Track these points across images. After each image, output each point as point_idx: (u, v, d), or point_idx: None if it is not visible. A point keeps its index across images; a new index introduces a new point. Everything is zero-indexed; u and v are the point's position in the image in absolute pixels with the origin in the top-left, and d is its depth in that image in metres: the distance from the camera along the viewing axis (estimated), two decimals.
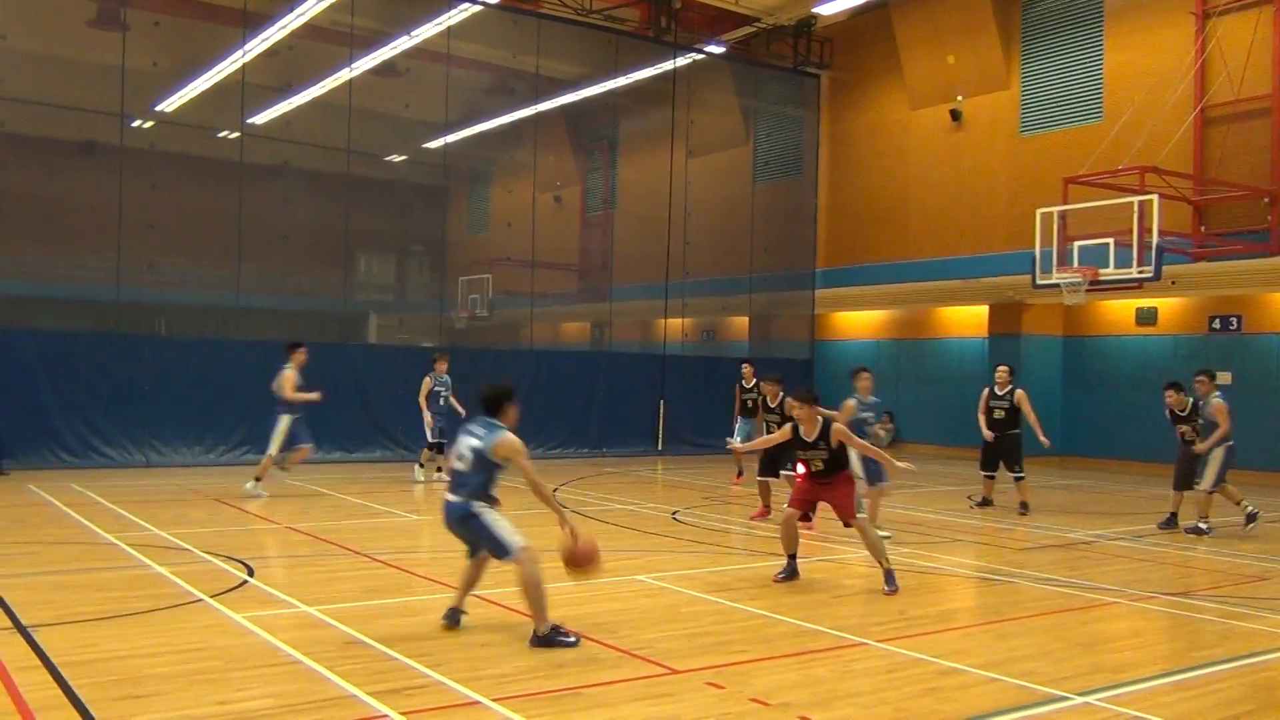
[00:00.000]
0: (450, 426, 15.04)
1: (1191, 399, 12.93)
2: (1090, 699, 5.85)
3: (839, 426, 8.94)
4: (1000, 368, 14.65)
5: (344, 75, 20.73)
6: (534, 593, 6.64)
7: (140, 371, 17.41)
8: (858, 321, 27.63)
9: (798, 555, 9.24)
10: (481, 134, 24.67)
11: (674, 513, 13.44)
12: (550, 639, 6.59)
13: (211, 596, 7.83)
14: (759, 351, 25.48)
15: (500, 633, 7.02)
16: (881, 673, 6.32)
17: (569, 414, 21.79)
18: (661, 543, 11.08)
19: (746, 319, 26.86)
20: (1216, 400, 12.43)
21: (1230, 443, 12.37)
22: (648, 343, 25.93)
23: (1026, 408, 14.09)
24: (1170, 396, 13.02)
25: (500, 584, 8.60)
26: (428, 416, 16.03)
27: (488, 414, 7.07)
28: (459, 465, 6.97)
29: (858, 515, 9.11)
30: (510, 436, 6.89)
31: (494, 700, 5.47)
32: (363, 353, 20.89)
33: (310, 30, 20.82)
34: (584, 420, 22.02)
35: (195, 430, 17.78)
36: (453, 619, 7.02)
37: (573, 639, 6.64)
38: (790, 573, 9.12)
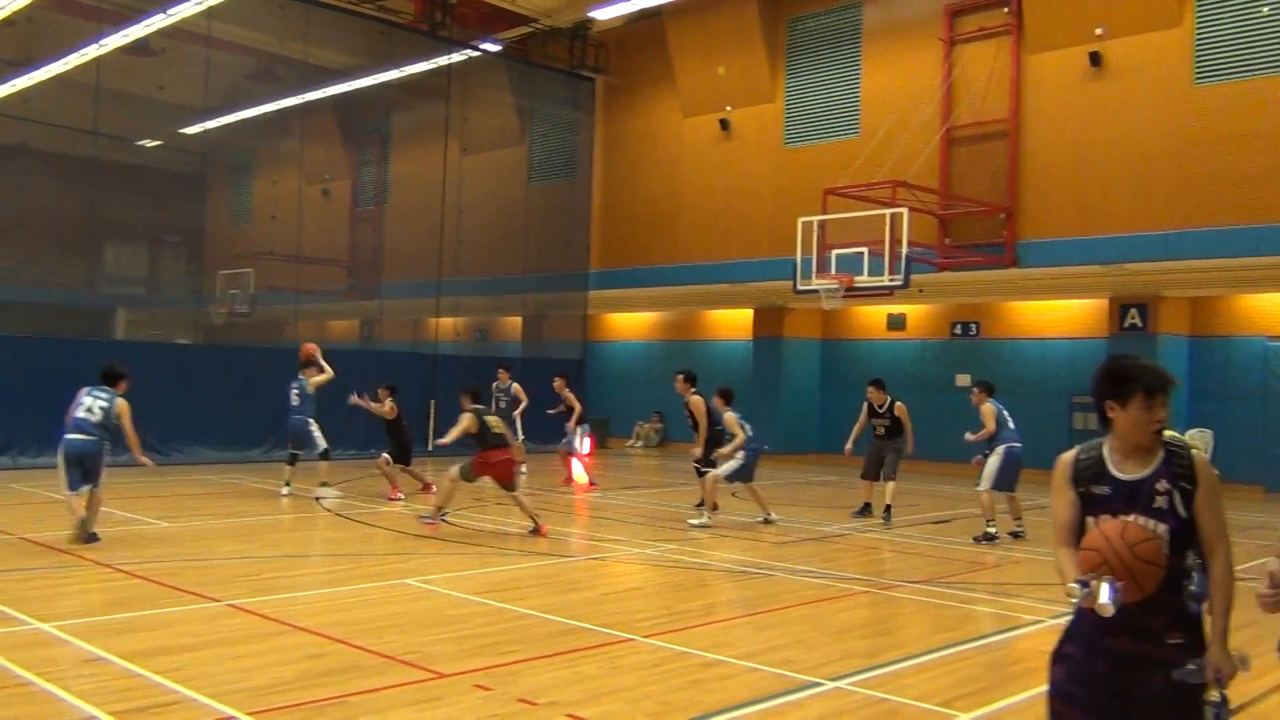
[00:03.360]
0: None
1: (890, 397, 13.98)
2: (841, 683, 6.16)
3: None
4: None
5: (92, 52, 19.30)
6: None
7: None
8: (629, 323, 28.11)
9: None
10: (244, 121, 23.56)
11: (444, 514, 13.24)
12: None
13: None
14: (532, 352, 25.48)
15: (255, 643, 6.71)
16: (647, 667, 6.44)
17: (335, 415, 21.04)
18: (430, 545, 10.90)
19: (520, 319, 26.81)
20: (987, 405, 12.70)
21: (1011, 444, 12.45)
22: (419, 342, 25.45)
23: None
24: (871, 393, 14.07)
25: (258, 592, 8.24)
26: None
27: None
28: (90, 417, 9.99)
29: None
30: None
31: (250, 715, 5.23)
32: (109, 349, 19.48)
33: (54, 1, 19.29)
34: (351, 421, 21.31)
35: None
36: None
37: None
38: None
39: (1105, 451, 3.42)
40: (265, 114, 23.70)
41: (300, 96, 22.38)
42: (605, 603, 8.55)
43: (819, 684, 6.14)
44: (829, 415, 24.04)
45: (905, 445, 13.95)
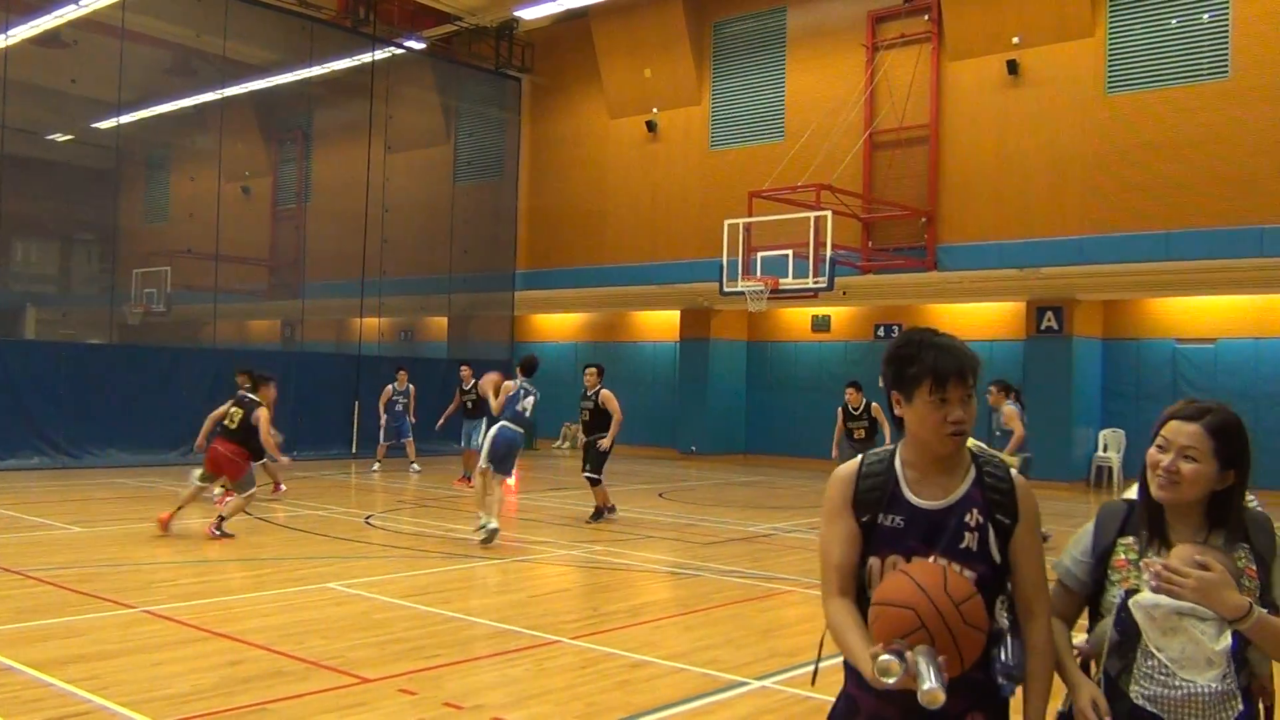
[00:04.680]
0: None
1: (866, 399, 13.86)
2: (767, 682, 6.21)
3: None
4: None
5: None
6: None
7: None
8: (556, 324, 28.04)
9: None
10: (160, 116, 22.98)
11: (367, 517, 13.09)
12: None
13: None
14: (458, 353, 25.26)
15: (173, 649, 6.56)
16: (575, 669, 6.43)
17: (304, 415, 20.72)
18: (354, 549, 10.75)
19: (445, 319, 26.58)
20: (1008, 407, 12.38)
21: (1027, 455, 12.12)
22: (342, 342, 25.09)
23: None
24: (849, 395, 14.00)
25: (175, 598, 8.06)
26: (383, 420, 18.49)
27: None
28: None
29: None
30: None
31: None
32: (17, 349, 18.90)
33: None
34: (273, 422, 20.97)
35: None
36: None
37: None
38: None
39: (897, 465, 2.58)
40: (183, 109, 23.16)
41: (219, 92, 21.91)
42: (532, 605, 8.52)
43: (746, 683, 6.18)
44: (755, 416, 24.25)
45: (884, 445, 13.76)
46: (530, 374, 11.85)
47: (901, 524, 2.51)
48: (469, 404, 17.25)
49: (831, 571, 2.56)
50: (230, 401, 11.83)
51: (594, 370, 13.47)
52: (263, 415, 11.36)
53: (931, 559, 2.45)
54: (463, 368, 18.15)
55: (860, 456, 2.67)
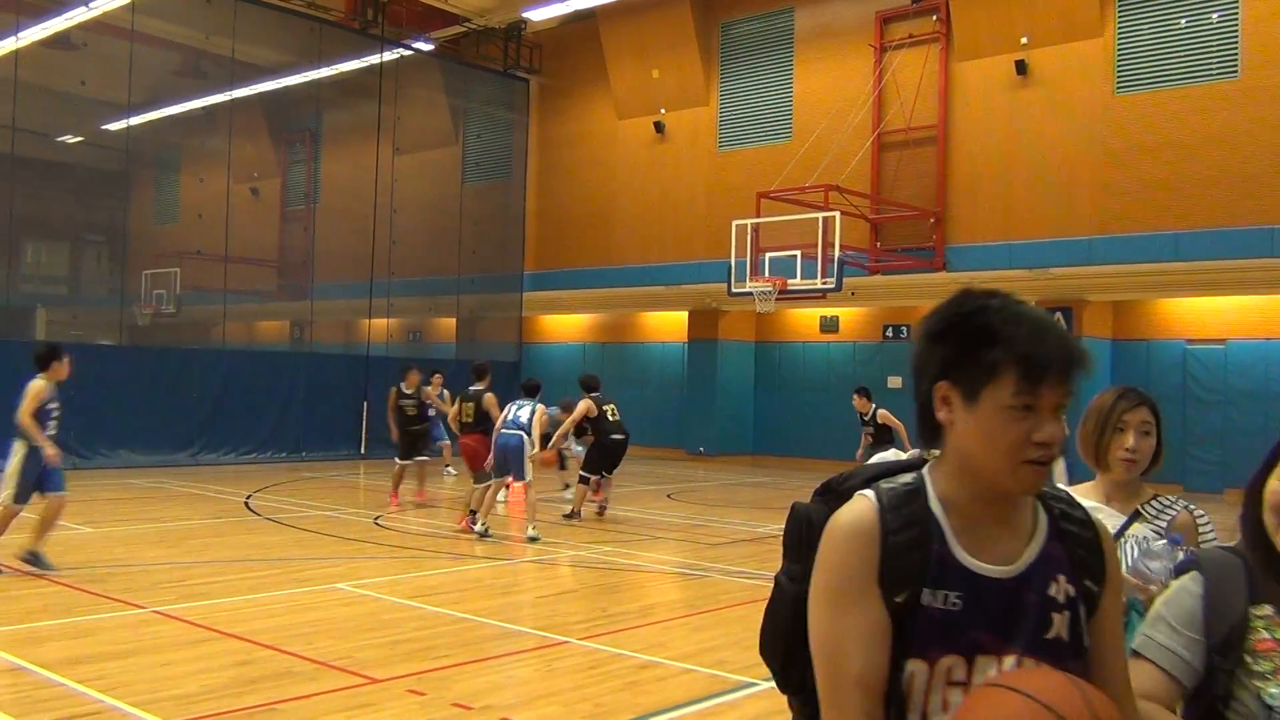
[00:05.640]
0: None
1: (875, 405, 14.04)
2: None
3: None
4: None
5: (9, 44, 18.76)
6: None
7: None
8: (564, 324, 28.05)
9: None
10: (170, 118, 23.05)
11: (376, 518, 13.11)
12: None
13: None
14: (466, 353, 25.29)
15: (183, 650, 6.58)
16: (583, 670, 6.43)
17: (266, 417, 20.78)
18: (363, 549, 10.77)
19: (454, 320, 26.61)
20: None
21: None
22: (351, 343, 25.14)
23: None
24: (855, 401, 14.24)
25: (185, 598, 8.08)
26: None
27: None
28: None
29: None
30: (33, 382, 8.79)
31: None
32: (28, 350, 18.91)
33: None
34: (282, 423, 21.06)
35: None
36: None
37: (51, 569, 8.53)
38: None
39: (934, 507, 1.66)
40: (192, 111, 23.22)
41: (228, 93, 21.97)
42: (540, 605, 8.53)
43: (754, 684, 6.18)
44: (763, 417, 24.22)
45: (903, 449, 13.94)
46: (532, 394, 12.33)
47: (959, 605, 1.61)
48: (409, 412, 15.53)
49: (850, 691, 1.60)
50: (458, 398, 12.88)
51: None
52: (490, 400, 12.33)
53: (1012, 659, 1.61)
54: (411, 371, 17.19)
55: (867, 493, 1.68)
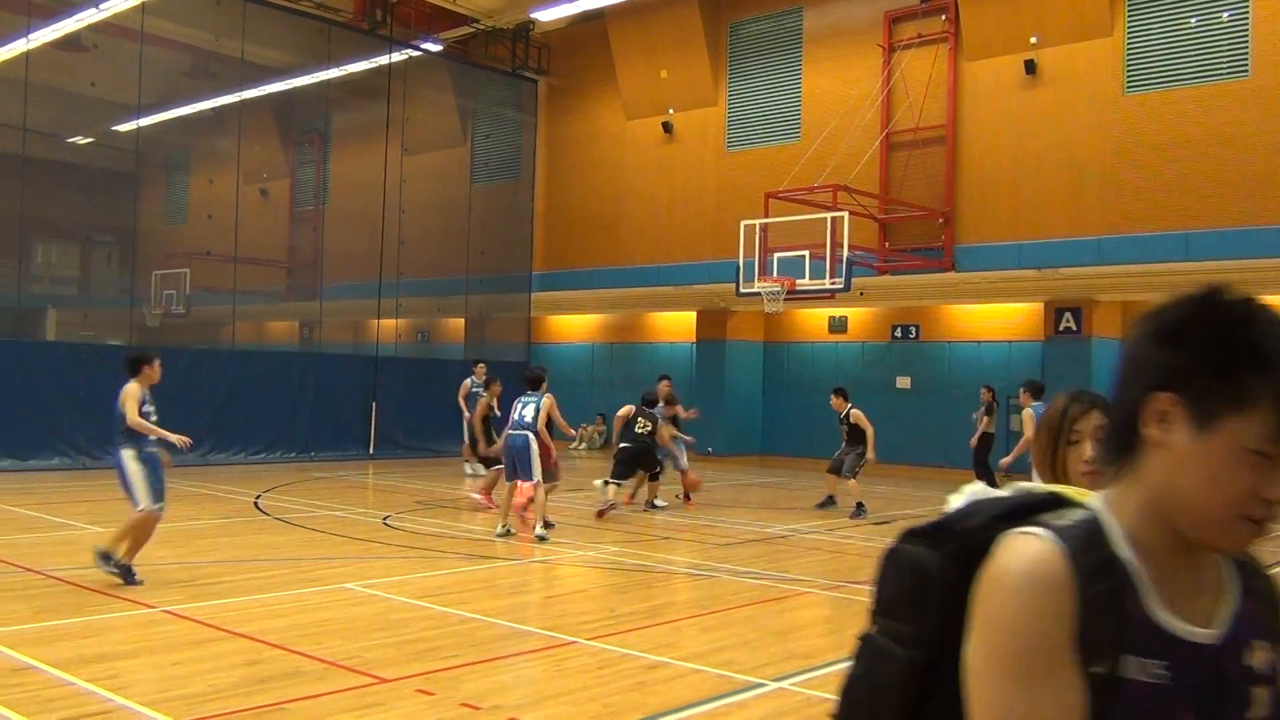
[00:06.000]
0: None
1: (850, 405, 14.85)
2: (784, 684, 6.20)
3: None
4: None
5: (20, 46, 18.85)
6: (134, 533, 8.52)
7: None
8: (572, 325, 28.06)
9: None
10: (179, 119, 23.12)
11: (385, 518, 13.13)
12: (119, 566, 8.39)
13: None
14: (475, 354, 25.32)
15: (192, 649, 6.59)
16: (591, 670, 6.43)
17: (274, 417, 20.83)
18: (371, 549, 10.79)
19: (462, 321, 26.65)
20: (1026, 411, 12.27)
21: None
22: (360, 344, 25.19)
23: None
24: (832, 400, 15.11)
25: (194, 598, 8.10)
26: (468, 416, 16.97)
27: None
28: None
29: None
30: (128, 386, 8.97)
31: None
32: (39, 350, 19.06)
33: None
34: (291, 423, 21.10)
35: None
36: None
37: (137, 580, 8.37)
38: None
39: (1125, 554, 1.33)
40: (201, 112, 23.28)
41: (237, 94, 22.03)
42: (549, 606, 8.53)
43: (762, 685, 6.17)
44: (772, 417, 24.19)
45: (866, 450, 14.63)
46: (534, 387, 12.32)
47: (1164, 677, 1.29)
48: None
49: None
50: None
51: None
52: (549, 402, 12.24)
53: None
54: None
55: (1047, 535, 1.31)
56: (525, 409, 11.86)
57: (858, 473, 14.57)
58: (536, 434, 11.61)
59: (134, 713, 5.27)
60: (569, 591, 9.28)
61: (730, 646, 7.10)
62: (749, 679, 6.28)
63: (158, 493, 8.83)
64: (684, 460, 15.54)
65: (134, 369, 9.18)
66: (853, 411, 14.78)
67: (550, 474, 12.08)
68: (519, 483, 11.85)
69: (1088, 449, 2.47)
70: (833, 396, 15.18)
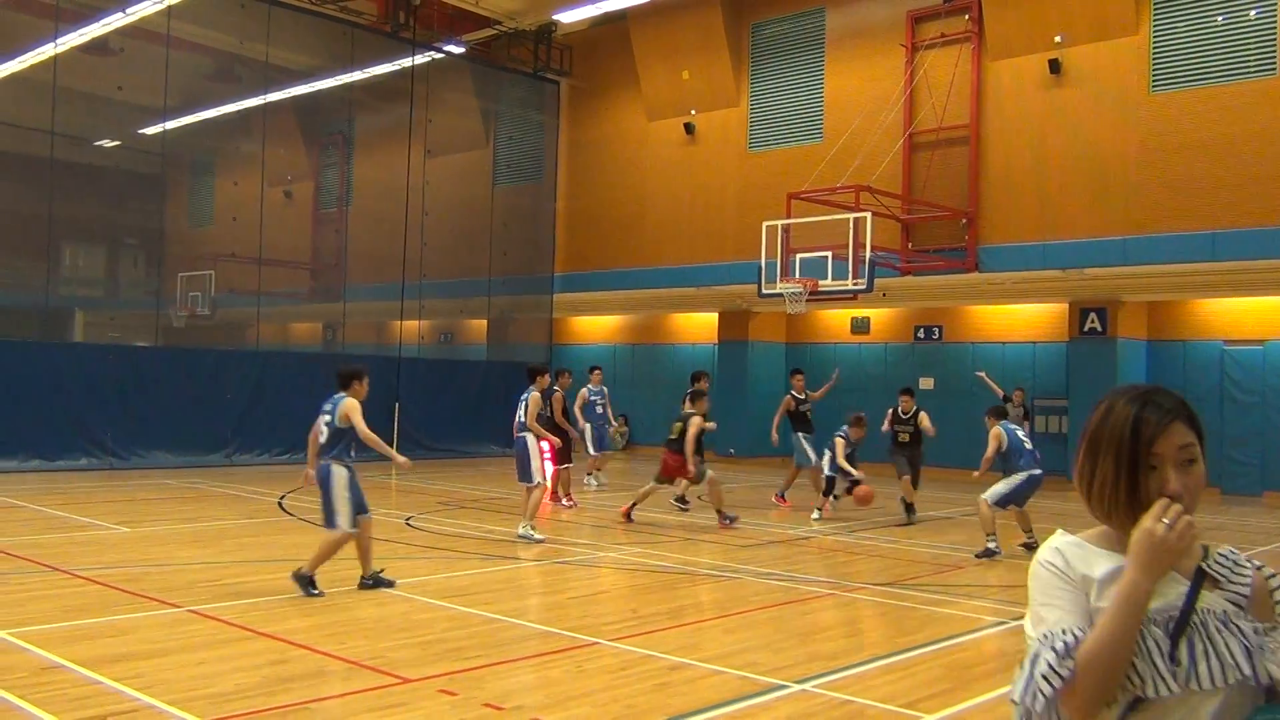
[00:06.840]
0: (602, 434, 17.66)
1: (917, 406, 14.47)
2: (807, 686, 6.18)
3: None
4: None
5: (48, 51, 19.04)
6: (325, 550, 8.43)
7: None
8: (594, 326, 28.08)
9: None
10: (205, 122, 23.30)
11: (408, 519, 13.19)
12: (306, 580, 8.29)
13: None
14: (497, 355, 25.40)
15: (218, 648, 6.64)
16: (614, 671, 6.44)
17: (297, 417, 20.69)
18: (394, 549, 10.83)
19: (485, 322, 26.73)
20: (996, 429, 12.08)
21: (1031, 472, 11.52)
22: (383, 345, 25.30)
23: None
24: (903, 401, 14.58)
25: (219, 598, 8.15)
26: (585, 427, 17.19)
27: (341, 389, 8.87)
28: (320, 439, 8.86)
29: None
30: (349, 400, 8.82)
31: None
32: (66, 352, 19.24)
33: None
34: (313, 423, 21.18)
35: None
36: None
37: (317, 592, 8.25)
38: None
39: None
40: (226, 115, 23.44)
41: (262, 97, 22.19)
42: (571, 606, 8.54)
43: (785, 686, 6.16)
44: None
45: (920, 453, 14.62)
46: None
47: None
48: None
49: None
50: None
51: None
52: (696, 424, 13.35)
53: None
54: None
55: None
56: (518, 408, 11.77)
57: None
58: (529, 433, 11.49)
59: (160, 711, 5.32)
60: (591, 593, 9.29)
61: (753, 648, 7.09)
62: (772, 680, 6.27)
63: (359, 506, 8.72)
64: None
65: (345, 383, 9.01)
66: (920, 414, 14.36)
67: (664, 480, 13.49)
68: (543, 484, 11.70)
69: (1171, 478, 1.78)
70: (903, 396, 14.65)
